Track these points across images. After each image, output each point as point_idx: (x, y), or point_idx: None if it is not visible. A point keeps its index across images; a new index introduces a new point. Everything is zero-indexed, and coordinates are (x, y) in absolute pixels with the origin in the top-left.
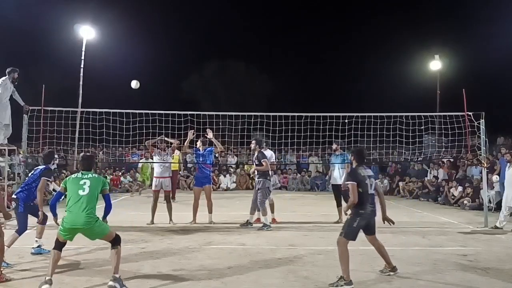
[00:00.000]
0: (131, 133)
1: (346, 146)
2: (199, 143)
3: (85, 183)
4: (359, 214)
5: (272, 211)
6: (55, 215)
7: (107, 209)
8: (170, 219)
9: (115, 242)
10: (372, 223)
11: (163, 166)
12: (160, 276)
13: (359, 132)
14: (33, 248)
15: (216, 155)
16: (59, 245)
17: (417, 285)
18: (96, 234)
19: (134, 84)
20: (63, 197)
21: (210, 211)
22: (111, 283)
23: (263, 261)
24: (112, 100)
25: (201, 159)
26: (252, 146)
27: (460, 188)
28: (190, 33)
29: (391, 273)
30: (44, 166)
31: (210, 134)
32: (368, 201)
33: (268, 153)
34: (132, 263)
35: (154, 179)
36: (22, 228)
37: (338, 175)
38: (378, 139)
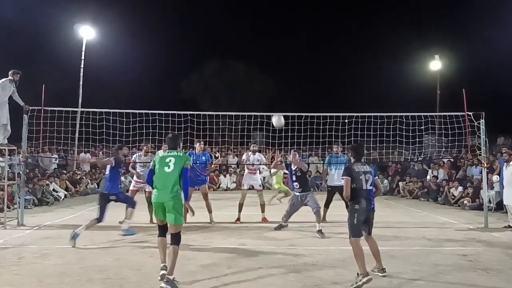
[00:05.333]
0: (131, 133)
1: (346, 146)
2: (197, 145)
3: (170, 160)
4: (355, 210)
5: (263, 211)
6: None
7: (184, 185)
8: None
9: (176, 239)
10: (370, 221)
11: (143, 170)
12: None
13: (359, 132)
14: (123, 230)
15: (217, 154)
16: (161, 230)
17: (417, 285)
18: (174, 214)
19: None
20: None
21: (209, 211)
22: (163, 284)
23: (263, 261)
24: (112, 100)
25: (197, 163)
26: (296, 156)
27: (460, 188)
28: (190, 33)
29: (379, 274)
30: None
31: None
32: (362, 196)
33: (257, 157)
34: (132, 263)
35: (134, 182)
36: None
37: (337, 176)
38: (378, 139)
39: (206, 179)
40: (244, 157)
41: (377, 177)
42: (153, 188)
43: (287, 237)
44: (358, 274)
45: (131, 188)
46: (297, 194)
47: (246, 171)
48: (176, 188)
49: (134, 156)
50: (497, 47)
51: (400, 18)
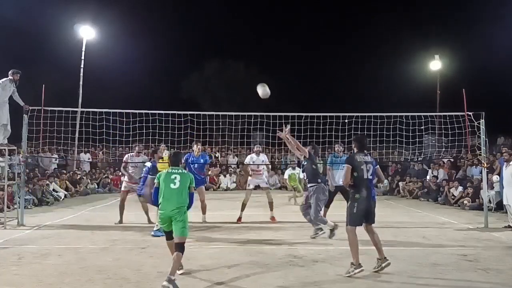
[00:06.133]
0: (131, 133)
1: (346, 146)
2: (194, 147)
3: (175, 177)
4: (355, 199)
5: (271, 209)
6: None
7: (189, 204)
8: (148, 220)
9: (181, 248)
10: (370, 210)
11: (134, 171)
12: (160, 276)
13: (359, 132)
14: (153, 231)
15: (217, 154)
16: (168, 235)
17: (417, 285)
18: (180, 226)
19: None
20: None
21: (204, 212)
22: (165, 283)
23: (263, 261)
24: (112, 100)
25: (195, 165)
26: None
27: (460, 188)
28: (190, 33)
29: (382, 264)
30: (151, 165)
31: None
32: (363, 186)
33: (262, 158)
34: (132, 263)
35: (125, 183)
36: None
37: (339, 176)
38: (378, 139)
39: (204, 180)
40: (247, 160)
41: (378, 166)
42: (158, 206)
43: (287, 237)
44: (352, 263)
45: (122, 188)
46: (308, 186)
47: (251, 172)
48: (183, 203)
49: (126, 156)
50: (497, 47)
51: (400, 18)
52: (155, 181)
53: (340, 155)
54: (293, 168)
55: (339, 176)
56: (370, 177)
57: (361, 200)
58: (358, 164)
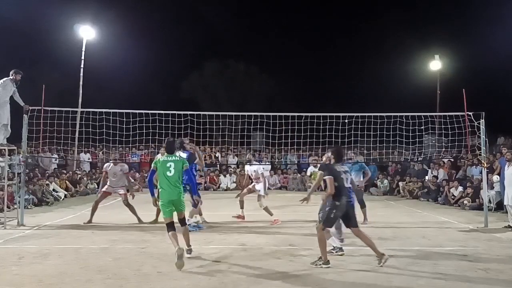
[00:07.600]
0: (131, 133)
1: (346, 146)
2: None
3: (170, 165)
4: (335, 206)
5: (271, 214)
6: (152, 194)
7: (192, 186)
8: (139, 220)
9: (184, 221)
10: (350, 215)
11: (116, 177)
12: (160, 276)
13: (359, 132)
14: (189, 225)
15: (217, 154)
16: (170, 227)
17: (417, 285)
18: (180, 206)
19: None
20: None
21: (200, 214)
22: (187, 254)
23: (263, 261)
24: (112, 100)
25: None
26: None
27: (460, 188)
28: (190, 33)
29: (382, 261)
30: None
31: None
32: (343, 193)
33: (254, 167)
34: (132, 263)
35: (107, 186)
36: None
37: (357, 178)
38: (378, 139)
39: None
40: (246, 167)
41: (351, 176)
42: (152, 189)
43: (287, 237)
44: (320, 258)
45: (103, 189)
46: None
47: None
48: (180, 187)
49: (106, 165)
50: (497, 47)
51: (400, 18)
52: (153, 165)
53: (352, 160)
54: (315, 166)
55: (356, 179)
56: (349, 185)
57: (341, 207)
58: (338, 174)
